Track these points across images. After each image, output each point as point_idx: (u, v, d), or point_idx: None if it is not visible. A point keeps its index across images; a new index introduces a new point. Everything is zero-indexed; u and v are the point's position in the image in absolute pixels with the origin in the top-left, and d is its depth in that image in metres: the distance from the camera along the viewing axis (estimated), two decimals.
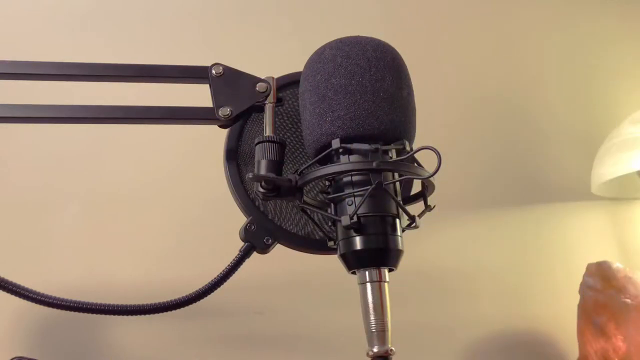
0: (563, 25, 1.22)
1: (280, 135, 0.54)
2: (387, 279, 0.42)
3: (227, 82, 0.53)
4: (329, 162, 0.45)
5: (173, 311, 0.49)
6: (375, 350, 0.40)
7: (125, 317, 0.49)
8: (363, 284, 0.42)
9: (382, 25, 1.06)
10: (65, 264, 0.77)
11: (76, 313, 0.48)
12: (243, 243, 0.50)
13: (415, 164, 0.44)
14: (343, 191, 0.43)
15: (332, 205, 0.45)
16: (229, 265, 0.50)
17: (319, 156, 0.45)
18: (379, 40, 0.47)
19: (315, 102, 0.45)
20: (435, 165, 0.41)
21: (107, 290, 0.77)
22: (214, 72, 0.53)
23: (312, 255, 0.53)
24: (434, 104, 1.02)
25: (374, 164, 0.42)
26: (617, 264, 0.83)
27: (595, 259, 0.86)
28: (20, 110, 0.50)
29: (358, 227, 0.42)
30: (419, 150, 0.43)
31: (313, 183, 0.52)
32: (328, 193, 0.46)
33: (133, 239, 0.81)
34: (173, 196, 0.84)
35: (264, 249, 0.51)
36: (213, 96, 0.52)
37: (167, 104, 0.52)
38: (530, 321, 0.96)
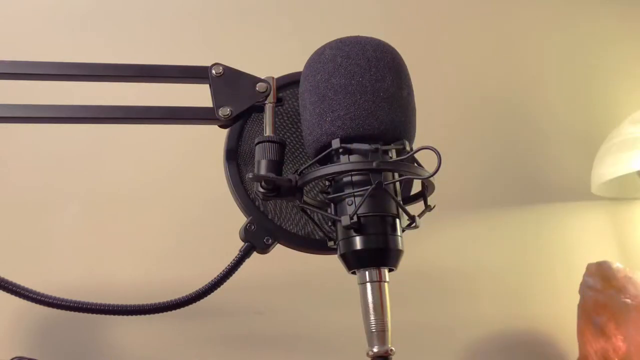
0: (563, 25, 1.22)
1: (280, 135, 0.54)
2: (387, 279, 0.42)
3: (227, 82, 0.53)
4: (329, 162, 0.45)
5: (173, 311, 0.49)
6: (375, 350, 0.40)
7: (125, 317, 0.49)
8: (363, 284, 0.42)
9: (382, 25, 1.06)
10: (65, 264, 0.77)
11: (76, 313, 0.48)
12: (243, 243, 0.50)
13: (415, 164, 0.44)
14: (343, 191, 0.43)
15: (332, 205, 0.45)
16: (229, 265, 0.50)
17: (319, 156, 0.45)
18: (379, 40, 0.47)
19: (315, 102, 0.45)
20: (435, 165, 0.41)
21: (107, 290, 0.77)
22: (214, 72, 0.53)
23: (312, 255, 0.53)
24: (434, 104, 1.02)
25: (374, 164, 0.42)
26: (617, 264, 0.83)
27: (595, 259, 0.86)
28: (20, 110, 0.50)
29: (358, 227, 0.42)
30: (419, 150, 0.43)
31: (313, 183, 0.52)
32: (328, 193, 0.45)
33: (133, 239, 0.81)
34: (173, 196, 0.84)
35: (264, 249, 0.51)
36: (213, 96, 0.52)
37: (167, 104, 0.52)
38: (530, 321, 0.96)
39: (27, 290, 0.47)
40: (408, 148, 0.45)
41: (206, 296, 0.49)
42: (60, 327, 0.74)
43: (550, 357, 0.95)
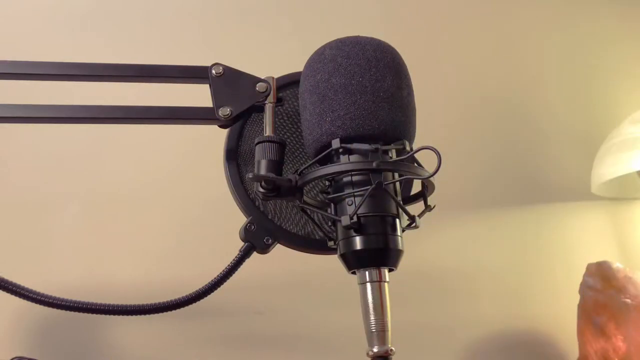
0: (563, 25, 1.22)
1: (280, 135, 0.54)
2: (387, 279, 0.42)
3: (227, 82, 0.53)
4: (329, 162, 0.45)
5: (173, 311, 0.49)
6: (375, 350, 0.40)
7: (125, 317, 0.49)
8: (363, 284, 0.42)
9: (382, 25, 1.06)
10: (65, 264, 0.77)
11: (76, 313, 0.48)
12: (243, 243, 0.50)
13: (415, 164, 0.44)
14: (343, 191, 0.43)
15: (332, 205, 0.45)
16: (229, 265, 0.50)
17: (319, 156, 0.45)
18: (379, 40, 0.47)
19: (315, 102, 0.45)
20: (435, 165, 0.41)
21: (107, 290, 0.77)
22: (214, 72, 0.53)
23: (312, 255, 0.53)
24: (434, 104, 1.02)
25: (374, 164, 0.42)
26: (617, 264, 0.83)
27: (595, 259, 0.86)
28: (20, 110, 0.50)
29: (358, 227, 0.42)
30: (419, 150, 0.43)
31: (313, 183, 0.52)
32: (328, 193, 0.45)
33: (133, 239, 0.81)
34: (173, 196, 0.84)
35: (264, 249, 0.51)
36: (213, 96, 0.52)
37: (167, 104, 0.52)
38: (530, 321, 0.96)
39: (27, 290, 0.47)
40: (408, 148, 0.45)
41: (206, 296, 0.49)
42: (60, 327, 0.74)
43: (550, 357, 0.95)
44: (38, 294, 0.47)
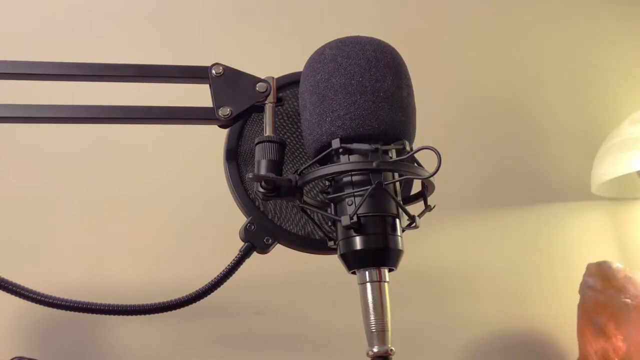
0: (563, 25, 1.22)
1: (280, 135, 0.54)
2: (387, 279, 0.42)
3: (227, 82, 0.53)
4: (329, 162, 0.45)
5: (173, 311, 0.49)
6: (375, 350, 0.40)
7: (125, 317, 0.49)
8: (363, 284, 0.42)
9: (382, 25, 1.06)
10: (65, 264, 0.77)
11: (76, 313, 0.48)
12: (243, 243, 0.50)
13: (415, 164, 0.44)
14: (343, 191, 0.43)
15: (332, 205, 0.45)
16: (229, 265, 0.50)
17: (319, 156, 0.45)
18: (379, 40, 0.47)
19: (315, 102, 0.45)
20: (435, 165, 0.41)
21: (107, 290, 0.77)
22: (214, 72, 0.53)
23: (312, 255, 0.53)
24: (434, 104, 1.02)
25: (374, 164, 0.42)
26: (617, 264, 0.83)
27: (595, 259, 0.86)
28: (20, 110, 0.50)
29: (358, 227, 0.42)
30: (419, 150, 0.43)
31: (313, 183, 0.52)
32: (328, 193, 0.45)
33: (133, 239, 0.81)
34: (173, 196, 0.84)
35: (264, 249, 0.51)
36: (213, 96, 0.52)
37: (167, 104, 0.52)
38: (530, 321, 0.96)
39: (27, 290, 0.47)
40: (408, 148, 0.45)
41: (206, 296, 0.49)
42: (60, 327, 0.74)
43: (550, 357, 0.95)
44: (38, 294, 0.47)
